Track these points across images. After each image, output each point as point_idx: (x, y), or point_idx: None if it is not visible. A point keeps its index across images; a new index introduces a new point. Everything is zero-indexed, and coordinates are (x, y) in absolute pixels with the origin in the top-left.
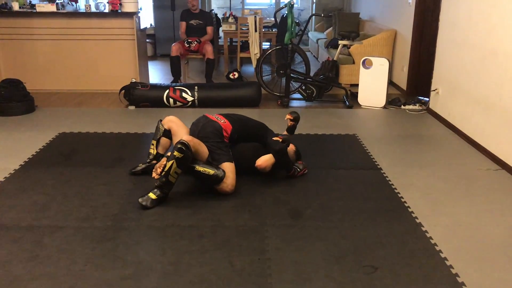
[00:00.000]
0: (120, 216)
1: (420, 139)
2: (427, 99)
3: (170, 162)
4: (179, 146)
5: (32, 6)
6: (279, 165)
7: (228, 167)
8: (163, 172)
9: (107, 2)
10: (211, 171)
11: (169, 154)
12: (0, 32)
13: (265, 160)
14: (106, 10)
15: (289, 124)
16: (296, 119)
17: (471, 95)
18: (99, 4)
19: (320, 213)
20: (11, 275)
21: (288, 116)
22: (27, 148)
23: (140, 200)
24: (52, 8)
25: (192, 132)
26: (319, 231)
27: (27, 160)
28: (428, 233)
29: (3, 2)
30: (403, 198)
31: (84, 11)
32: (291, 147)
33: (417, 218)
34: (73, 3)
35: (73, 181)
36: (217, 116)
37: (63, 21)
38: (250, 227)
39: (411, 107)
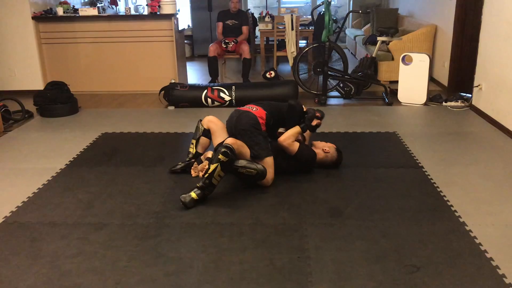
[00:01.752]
0: (162, 213)
1: (462, 136)
2: (470, 95)
3: (215, 165)
4: (223, 150)
5: (75, 10)
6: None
7: (268, 162)
8: (207, 174)
9: (146, 5)
10: (253, 170)
11: (209, 155)
12: (46, 36)
13: (287, 135)
14: (145, 13)
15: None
16: (322, 117)
17: None
18: (139, 6)
19: (360, 211)
20: (59, 270)
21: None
22: (72, 148)
23: (181, 197)
24: (93, 12)
25: (229, 129)
26: (360, 230)
27: (72, 159)
28: (472, 232)
29: (48, 8)
30: (445, 196)
31: (124, 14)
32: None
33: (461, 217)
34: (114, 6)
35: (116, 180)
36: (248, 106)
37: (104, 24)
38: (289, 225)
39: (453, 103)
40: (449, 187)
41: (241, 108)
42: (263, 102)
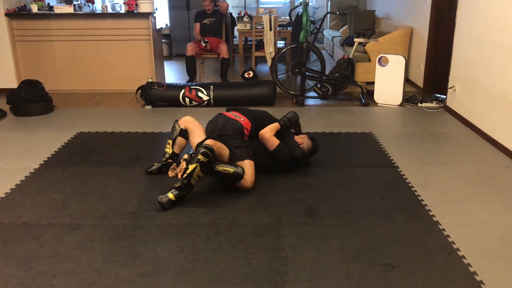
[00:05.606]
0: (138, 214)
1: (437, 137)
2: (444, 96)
3: (194, 165)
4: (203, 150)
5: (50, 8)
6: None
7: (248, 164)
8: (185, 174)
9: (123, 3)
10: (230, 169)
11: (186, 156)
12: (20, 33)
13: (268, 128)
14: (122, 11)
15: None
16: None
17: (489, 92)
18: (115, 5)
19: (336, 211)
20: (33, 271)
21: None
22: (46, 148)
23: (158, 198)
24: (69, 9)
25: (211, 131)
26: (336, 229)
27: (46, 159)
28: (445, 231)
29: (22, 5)
30: (420, 196)
31: (101, 12)
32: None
33: (434, 217)
34: (90, 4)
35: (91, 180)
36: (235, 114)
37: (80, 22)
38: (266, 225)
39: (427, 104)
40: (423, 186)
41: (227, 114)
42: (250, 114)
